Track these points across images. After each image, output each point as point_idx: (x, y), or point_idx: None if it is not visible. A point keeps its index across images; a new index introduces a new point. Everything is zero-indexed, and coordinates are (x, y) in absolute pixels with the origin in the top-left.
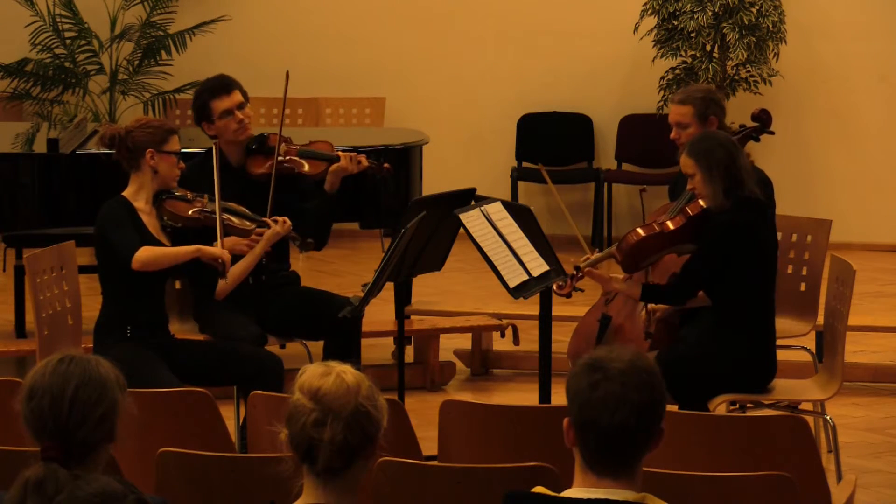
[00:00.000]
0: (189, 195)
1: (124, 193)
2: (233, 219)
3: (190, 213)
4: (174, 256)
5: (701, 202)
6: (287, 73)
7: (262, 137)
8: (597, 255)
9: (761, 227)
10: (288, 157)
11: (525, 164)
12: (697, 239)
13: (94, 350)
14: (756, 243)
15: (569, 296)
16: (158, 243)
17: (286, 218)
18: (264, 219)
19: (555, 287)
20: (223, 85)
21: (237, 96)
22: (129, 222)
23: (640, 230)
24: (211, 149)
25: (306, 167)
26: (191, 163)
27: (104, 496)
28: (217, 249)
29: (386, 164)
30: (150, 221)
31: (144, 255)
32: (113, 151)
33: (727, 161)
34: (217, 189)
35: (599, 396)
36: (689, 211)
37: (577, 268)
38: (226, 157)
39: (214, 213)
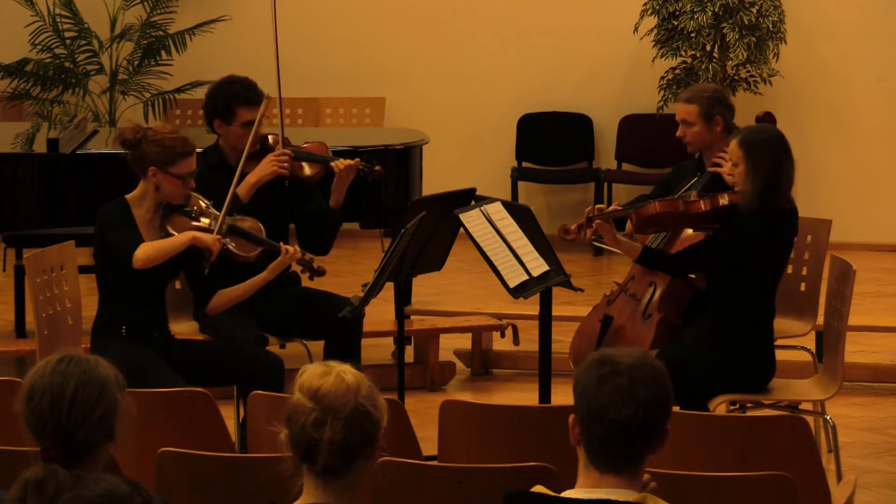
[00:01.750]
0: (195, 212)
1: (128, 196)
2: (234, 251)
3: None
4: (171, 247)
5: (730, 195)
6: (273, 4)
7: (262, 139)
8: (611, 209)
9: (782, 241)
10: (286, 160)
11: (525, 164)
12: (715, 224)
13: (91, 348)
14: (769, 256)
15: (573, 241)
16: None
17: (297, 248)
18: (280, 244)
19: (561, 233)
20: (256, 96)
21: (262, 109)
22: (127, 224)
23: (661, 203)
24: (208, 149)
25: (306, 171)
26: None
27: (110, 497)
28: (210, 238)
29: (377, 167)
30: (145, 229)
31: (144, 251)
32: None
33: (772, 166)
34: (226, 204)
35: (608, 390)
36: (720, 201)
37: (589, 218)
38: (224, 156)
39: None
